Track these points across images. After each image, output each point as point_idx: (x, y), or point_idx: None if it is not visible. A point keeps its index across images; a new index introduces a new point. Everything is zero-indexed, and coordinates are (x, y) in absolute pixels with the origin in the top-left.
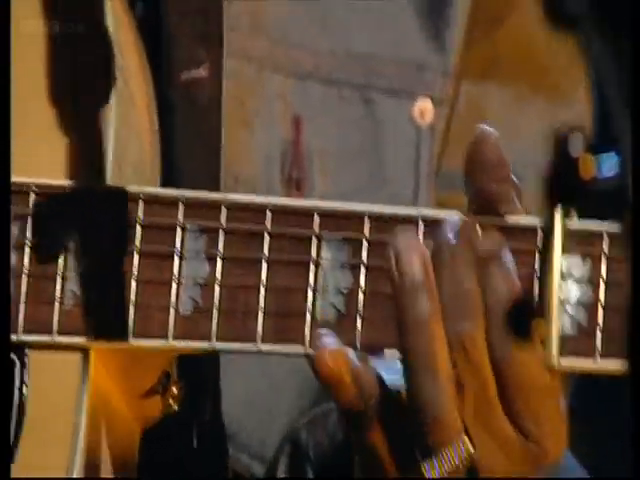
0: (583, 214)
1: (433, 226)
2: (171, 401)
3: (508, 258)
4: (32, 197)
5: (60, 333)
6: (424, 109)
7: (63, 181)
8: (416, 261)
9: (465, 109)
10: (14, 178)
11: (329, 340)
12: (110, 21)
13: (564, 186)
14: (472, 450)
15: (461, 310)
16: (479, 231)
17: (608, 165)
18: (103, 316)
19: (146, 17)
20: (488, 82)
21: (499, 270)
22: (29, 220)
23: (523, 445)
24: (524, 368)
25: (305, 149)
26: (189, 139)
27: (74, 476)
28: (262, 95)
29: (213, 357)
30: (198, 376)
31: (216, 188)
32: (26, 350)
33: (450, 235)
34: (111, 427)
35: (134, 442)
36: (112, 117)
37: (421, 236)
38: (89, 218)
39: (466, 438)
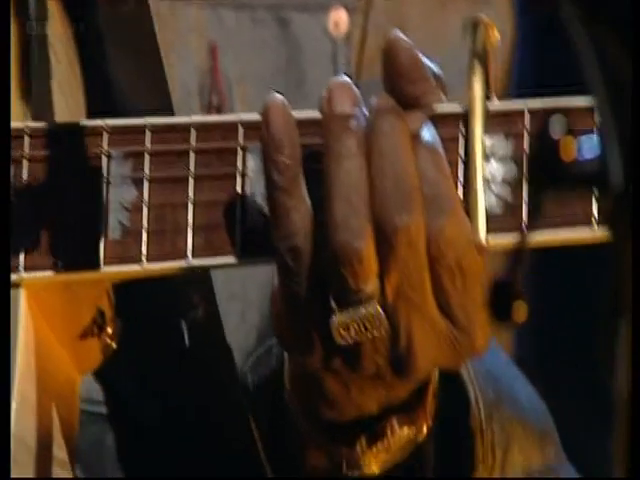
0: (564, 195)
1: None
2: (108, 340)
3: (433, 135)
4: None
5: None
6: (338, 20)
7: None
8: (347, 99)
9: (385, 17)
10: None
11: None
12: None
13: (545, 168)
14: (383, 319)
15: (405, 198)
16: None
17: (589, 147)
18: (36, 248)
19: None
20: None
21: (425, 149)
22: None
23: (451, 332)
24: (454, 250)
25: (223, 76)
26: (128, 61)
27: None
28: (175, 28)
29: None
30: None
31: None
32: None
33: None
34: (49, 371)
35: (74, 387)
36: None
37: None
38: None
39: (379, 307)
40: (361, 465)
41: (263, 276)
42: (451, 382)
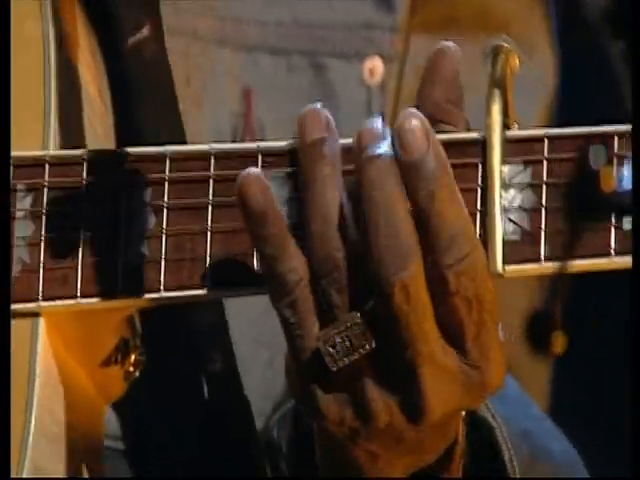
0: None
1: None
2: (131, 368)
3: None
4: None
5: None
6: (374, 68)
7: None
8: (316, 124)
9: (421, 67)
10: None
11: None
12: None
13: (585, 198)
14: (365, 328)
15: (396, 254)
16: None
17: (628, 178)
18: (55, 279)
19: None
20: (447, 38)
21: (444, 191)
22: None
23: (462, 370)
24: (473, 283)
25: (256, 121)
26: (145, 99)
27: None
28: (210, 71)
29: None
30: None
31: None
32: None
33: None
34: (73, 401)
35: (100, 416)
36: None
37: None
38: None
39: (358, 316)
40: None
41: None
42: (485, 442)
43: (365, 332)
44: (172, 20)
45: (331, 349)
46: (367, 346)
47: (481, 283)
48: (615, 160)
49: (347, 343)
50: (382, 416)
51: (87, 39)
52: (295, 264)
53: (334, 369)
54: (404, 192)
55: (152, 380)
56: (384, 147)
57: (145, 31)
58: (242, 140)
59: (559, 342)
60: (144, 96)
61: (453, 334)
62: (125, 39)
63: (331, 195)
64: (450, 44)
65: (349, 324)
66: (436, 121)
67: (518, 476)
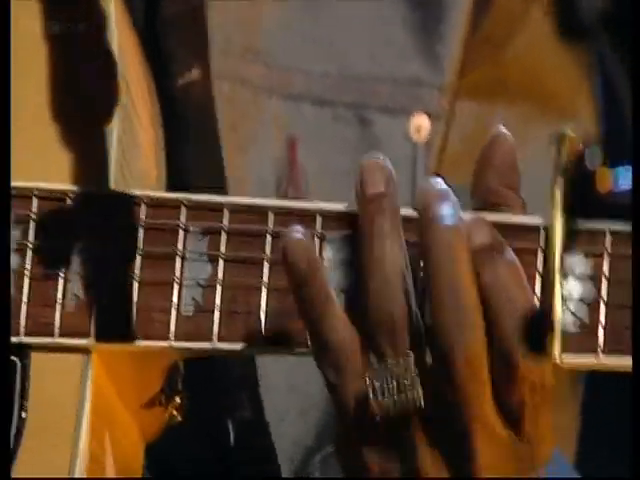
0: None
1: None
2: (174, 412)
3: (511, 254)
4: (34, 201)
5: (62, 335)
6: (420, 125)
7: (65, 185)
8: (379, 178)
9: (470, 128)
10: (15, 183)
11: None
12: (113, 33)
13: (581, 199)
14: (414, 373)
15: (458, 322)
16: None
17: (624, 178)
18: (108, 318)
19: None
20: (495, 102)
21: (506, 266)
22: (31, 224)
23: (517, 446)
24: (541, 369)
25: (301, 169)
26: (189, 141)
27: None
28: (256, 118)
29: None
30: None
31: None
32: (28, 352)
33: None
34: (115, 437)
35: (139, 453)
36: (115, 130)
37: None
38: (93, 222)
39: (411, 360)
40: None
41: None
42: None
43: (414, 378)
44: (221, 65)
45: (376, 382)
46: (415, 395)
47: (547, 369)
48: None
49: (393, 383)
50: (430, 474)
51: (143, 76)
52: (337, 324)
53: (377, 414)
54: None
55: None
56: (449, 209)
57: (194, 73)
58: (286, 190)
59: (555, 344)
60: (189, 138)
61: (509, 411)
62: (176, 79)
63: (391, 251)
64: (506, 133)
65: (401, 362)
66: (491, 205)
67: None
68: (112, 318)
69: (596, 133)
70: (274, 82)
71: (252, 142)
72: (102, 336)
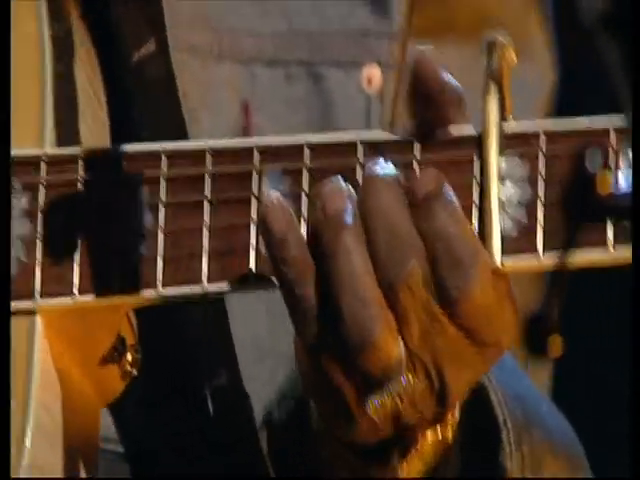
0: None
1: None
2: (128, 367)
3: (450, 194)
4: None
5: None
6: (372, 76)
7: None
8: (338, 198)
9: None
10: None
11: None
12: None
13: (581, 202)
14: (412, 384)
15: (398, 252)
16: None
17: (625, 181)
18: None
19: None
20: (444, 43)
21: (443, 208)
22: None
23: (477, 352)
24: (475, 295)
25: (256, 133)
26: (152, 113)
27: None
28: (208, 85)
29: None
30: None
31: None
32: None
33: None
34: (69, 401)
35: (95, 417)
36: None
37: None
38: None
39: (410, 375)
40: (399, 478)
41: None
42: (480, 405)
43: (412, 388)
44: (171, 37)
45: (380, 409)
46: (413, 400)
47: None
48: (612, 155)
49: (394, 402)
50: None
51: (84, 44)
52: (313, 290)
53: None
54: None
55: (153, 386)
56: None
57: (150, 45)
58: None
59: (556, 346)
60: (151, 109)
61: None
62: (131, 54)
63: (361, 266)
64: (427, 58)
65: (401, 388)
66: (432, 130)
67: (512, 438)
68: (55, 277)
69: (550, 63)
70: (224, 47)
71: (205, 110)
72: (47, 293)
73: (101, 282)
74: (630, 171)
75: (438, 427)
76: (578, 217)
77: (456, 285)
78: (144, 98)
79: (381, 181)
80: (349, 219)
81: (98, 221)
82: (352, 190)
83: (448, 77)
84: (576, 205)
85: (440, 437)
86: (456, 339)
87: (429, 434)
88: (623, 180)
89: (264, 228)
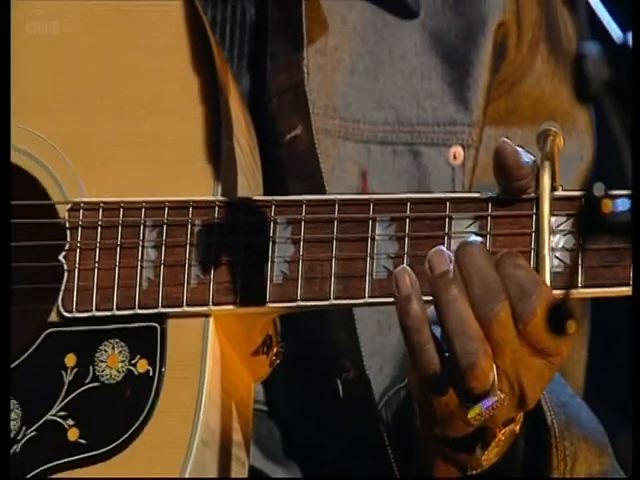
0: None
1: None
2: (274, 358)
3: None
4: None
5: (188, 305)
6: (456, 153)
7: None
8: (442, 260)
9: (490, 154)
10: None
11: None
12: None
13: (590, 218)
14: (502, 399)
15: (491, 295)
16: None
17: (622, 204)
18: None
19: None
20: (510, 126)
21: (515, 263)
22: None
23: (546, 363)
24: (539, 313)
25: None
26: (298, 177)
27: (200, 415)
28: (335, 157)
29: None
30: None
31: None
32: (165, 319)
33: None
34: (232, 379)
35: (249, 390)
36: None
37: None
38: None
39: (499, 392)
40: (482, 464)
41: (395, 339)
42: (535, 409)
43: (503, 401)
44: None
45: (477, 418)
46: (503, 409)
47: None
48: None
49: (490, 413)
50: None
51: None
52: (431, 343)
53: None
54: None
55: (294, 370)
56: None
57: (298, 130)
58: None
59: (571, 327)
60: (297, 180)
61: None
62: (284, 135)
63: (465, 310)
64: (505, 141)
65: (496, 402)
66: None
67: (557, 435)
68: (224, 289)
69: (591, 143)
70: (349, 131)
71: (333, 175)
72: (217, 302)
73: (259, 295)
74: (627, 198)
75: (512, 424)
76: (589, 233)
77: (524, 310)
78: (294, 167)
79: (474, 245)
80: (451, 275)
81: (257, 252)
82: (451, 254)
83: (524, 154)
84: (588, 223)
85: (514, 429)
86: (531, 356)
87: (507, 429)
88: (621, 205)
89: (395, 287)
